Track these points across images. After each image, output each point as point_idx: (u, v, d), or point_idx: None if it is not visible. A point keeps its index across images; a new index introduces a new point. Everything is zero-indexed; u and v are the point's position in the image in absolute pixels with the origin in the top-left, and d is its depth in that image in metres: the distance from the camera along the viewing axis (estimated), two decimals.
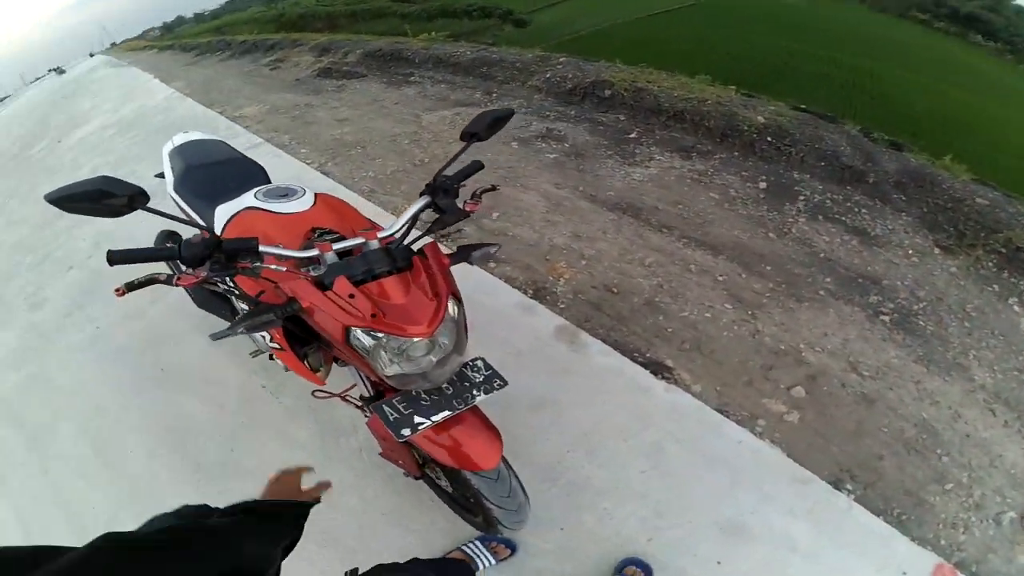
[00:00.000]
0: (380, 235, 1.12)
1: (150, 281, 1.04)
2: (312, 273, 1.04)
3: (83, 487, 1.94)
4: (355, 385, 1.33)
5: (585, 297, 2.39)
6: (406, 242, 1.15)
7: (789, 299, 2.39)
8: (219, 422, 2.05)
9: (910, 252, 2.72)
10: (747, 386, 2.00)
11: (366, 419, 1.34)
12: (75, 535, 1.76)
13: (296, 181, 1.70)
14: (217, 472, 1.89)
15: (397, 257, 1.06)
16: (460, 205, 1.18)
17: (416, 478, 1.49)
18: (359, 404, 1.38)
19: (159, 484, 1.89)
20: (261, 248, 0.95)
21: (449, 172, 1.20)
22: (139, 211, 0.86)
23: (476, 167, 1.29)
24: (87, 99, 9.28)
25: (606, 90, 4.38)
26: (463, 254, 1.18)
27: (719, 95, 4.15)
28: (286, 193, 1.36)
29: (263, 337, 1.58)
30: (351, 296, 0.98)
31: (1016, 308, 2.46)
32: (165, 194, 1.92)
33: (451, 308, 1.04)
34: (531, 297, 2.39)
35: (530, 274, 2.53)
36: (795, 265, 2.59)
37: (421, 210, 1.18)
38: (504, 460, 1.19)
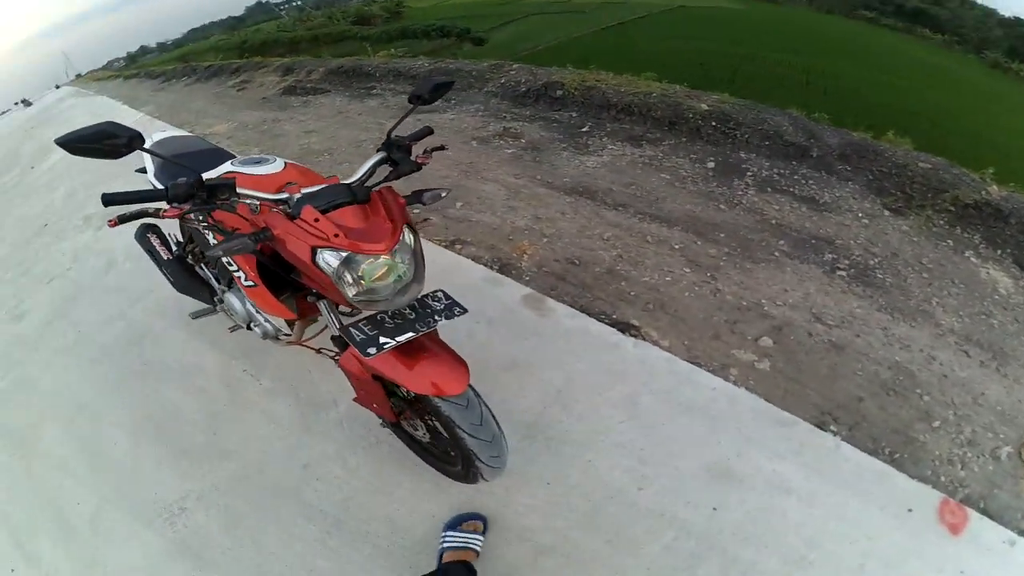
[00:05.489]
0: (341, 181, 1.24)
1: (140, 214, 1.14)
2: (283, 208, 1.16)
3: (70, 484, 1.93)
4: (325, 328, 1.43)
5: (548, 269, 2.49)
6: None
7: (745, 261, 2.51)
8: (201, 407, 2.08)
9: (860, 215, 2.88)
10: (714, 339, 2.10)
11: (336, 359, 1.39)
12: (63, 533, 1.78)
13: None
14: (200, 454, 1.92)
15: (356, 192, 1.17)
16: (412, 159, 1.31)
17: (392, 424, 1.54)
18: (332, 354, 1.47)
19: (144, 473, 1.90)
20: (239, 190, 1.08)
21: (402, 134, 1.34)
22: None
23: (426, 131, 1.44)
24: (57, 127, 9.10)
25: (558, 90, 4.51)
26: (416, 196, 1.28)
27: (664, 89, 4.31)
28: (260, 161, 1.47)
29: (243, 305, 1.68)
30: (316, 220, 1.08)
31: (973, 260, 2.61)
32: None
33: (407, 236, 1.15)
34: (497, 271, 2.49)
35: (495, 253, 2.62)
36: (748, 231, 2.72)
37: (377, 164, 1.33)
38: (473, 389, 1.27)
